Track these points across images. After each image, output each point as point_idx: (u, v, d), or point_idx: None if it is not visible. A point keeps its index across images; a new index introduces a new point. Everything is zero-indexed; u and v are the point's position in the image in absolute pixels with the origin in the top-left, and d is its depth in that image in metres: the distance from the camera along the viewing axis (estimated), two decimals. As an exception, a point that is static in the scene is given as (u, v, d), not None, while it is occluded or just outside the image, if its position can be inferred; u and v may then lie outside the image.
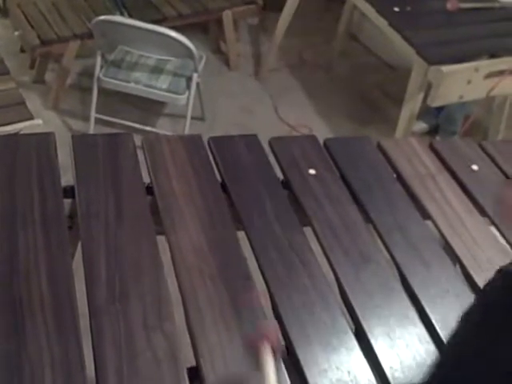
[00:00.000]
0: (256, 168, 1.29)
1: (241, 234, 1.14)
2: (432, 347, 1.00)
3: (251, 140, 1.37)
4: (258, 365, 0.79)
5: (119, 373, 0.87)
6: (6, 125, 1.69)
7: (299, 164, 1.32)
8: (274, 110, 3.02)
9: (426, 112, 2.78)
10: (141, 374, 0.88)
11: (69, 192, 1.15)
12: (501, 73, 2.18)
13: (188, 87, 2.52)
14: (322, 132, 2.79)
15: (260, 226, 1.15)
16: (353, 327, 1.02)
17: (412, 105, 2.36)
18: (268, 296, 1.03)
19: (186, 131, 2.54)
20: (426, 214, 1.28)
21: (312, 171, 1.31)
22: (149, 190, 1.19)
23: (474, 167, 1.42)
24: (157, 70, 2.55)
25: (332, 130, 2.92)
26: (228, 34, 3.12)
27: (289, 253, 1.11)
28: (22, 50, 2.94)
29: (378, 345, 0.99)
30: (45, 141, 1.23)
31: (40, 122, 1.73)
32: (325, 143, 1.41)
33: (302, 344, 0.96)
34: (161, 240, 1.09)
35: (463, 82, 2.17)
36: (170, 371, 0.89)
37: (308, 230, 1.19)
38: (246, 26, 3.61)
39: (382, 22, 2.44)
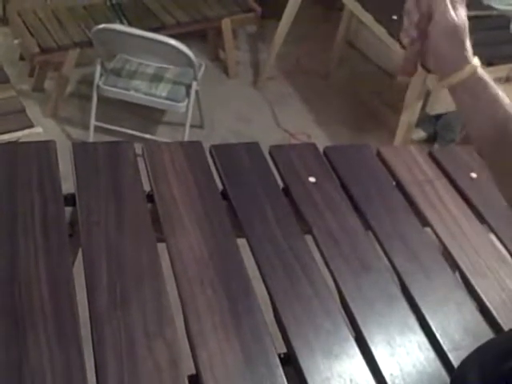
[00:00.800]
0: (257, 175, 1.30)
1: (241, 241, 1.14)
2: (432, 355, 1.00)
3: (252, 148, 1.37)
4: None
5: (120, 380, 0.87)
6: (5, 133, 1.70)
7: (299, 172, 1.33)
8: (273, 118, 3.03)
9: (424, 120, 2.80)
10: (142, 382, 0.88)
11: (69, 200, 1.15)
12: (498, 80, 2.20)
13: (187, 95, 2.53)
14: (321, 139, 2.80)
15: (261, 233, 1.16)
16: (354, 335, 1.02)
17: (411, 112, 2.37)
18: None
19: (186, 139, 2.55)
20: (425, 222, 1.28)
21: (312, 179, 1.31)
22: (149, 197, 1.19)
23: (473, 175, 1.43)
24: (156, 78, 2.56)
25: (331, 137, 2.93)
26: (227, 42, 3.13)
27: (290, 260, 1.11)
28: (22, 58, 2.95)
29: (379, 352, 0.99)
30: (45, 149, 1.23)
31: (40, 129, 1.73)
32: (324, 151, 1.41)
33: (304, 352, 0.96)
34: (161, 247, 1.09)
35: (461, 90, 2.18)
36: (170, 379, 0.89)
37: (309, 238, 1.19)
38: (245, 34, 3.63)
39: (380, 30, 2.46)
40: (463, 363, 0.81)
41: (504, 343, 0.79)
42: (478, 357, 0.78)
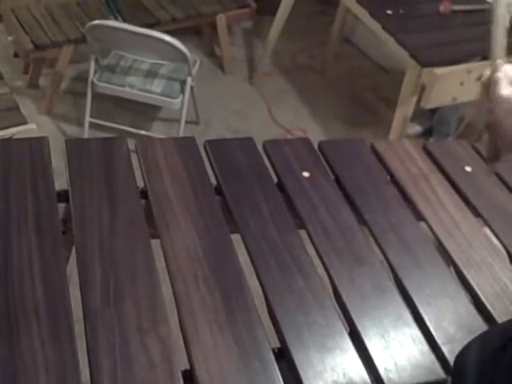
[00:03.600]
0: (252, 171, 1.30)
1: (235, 237, 1.14)
2: (426, 348, 1.00)
3: (247, 143, 1.37)
4: None
5: (114, 377, 0.87)
6: (-1, 130, 1.69)
7: (293, 167, 1.33)
8: (269, 114, 3.03)
9: (420, 114, 2.80)
10: (135, 378, 0.87)
11: (63, 196, 1.15)
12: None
13: (182, 91, 2.53)
14: (317, 135, 2.80)
15: (255, 229, 1.15)
16: (348, 329, 1.02)
17: (406, 107, 2.37)
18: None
19: (181, 135, 2.54)
20: (419, 216, 1.28)
21: (306, 174, 1.31)
22: (143, 193, 1.19)
23: (468, 169, 1.43)
24: (151, 74, 2.55)
25: (326, 132, 2.93)
26: (222, 38, 3.13)
27: (284, 255, 1.11)
28: (16, 55, 2.94)
29: (372, 346, 0.99)
30: (38, 145, 1.23)
31: (34, 126, 1.73)
32: (319, 145, 1.41)
33: (297, 346, 0.96)
34: (155, 244, 1.09)
35: (456, 84, 2.18)
36: (164, 375, 0.89)
37: (303, 233, 1.19)
38: (240, 29, 3.62)
39: (375, 25, 2.45)
40: (465, 347, 0.80)
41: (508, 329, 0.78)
42: (481, 341, 0.77)
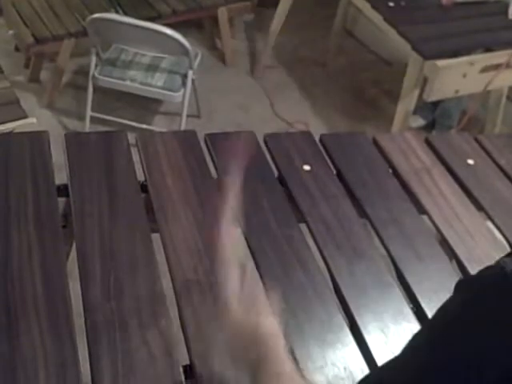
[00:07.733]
0: (253, 164, 1.28)
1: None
2: (428, 342, 1.00)
3: (248, 136, 1.36)
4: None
5: (114, 371, 0.86)
6: (-1, 124, 1.69)
7: (294, 160, 1.32)
8: (270, 107, 3.01)
9: (422, 107, 2.78)
10: (136, 373, 0.87)
11: (63, 191, 1.14)
12: (496, 66, 2.18)
13: (183, 84, 2.52)
14: (319, 128, 2.79)
15: (256, 222, 1.15)
16: (348, 323, 1.02)
17: (408, 100, 2.36)
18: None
19: (182, 128, 2.54)
20: (421, 209, 1.28)
21: (307, 167, 1.30)
22: (143, 187, 1.18)
23: (470, 161, 1.42)
24: (152, 68, 2.54)
25: (328, 126, 2.91)
26: (223, 31, 3.11)
27: (285, 249, 1.10)
28: (17, 49, 2.93)
29: (372, 340, 0.98)
30: (38, 139, 1.22)
31: (34, 120, 1.72)
32: (320, 139, 1.40)
33: (297, 341, 0.96)
34: (155, 237, 1.09)
35: (459, 77, 2.17)
36: (165, 369, 0.89)
37: (304, 226, 1.18)
38: (242, 22, 3.60)
39: (377, 18, 2.44)
40: None
41: None
42: None
